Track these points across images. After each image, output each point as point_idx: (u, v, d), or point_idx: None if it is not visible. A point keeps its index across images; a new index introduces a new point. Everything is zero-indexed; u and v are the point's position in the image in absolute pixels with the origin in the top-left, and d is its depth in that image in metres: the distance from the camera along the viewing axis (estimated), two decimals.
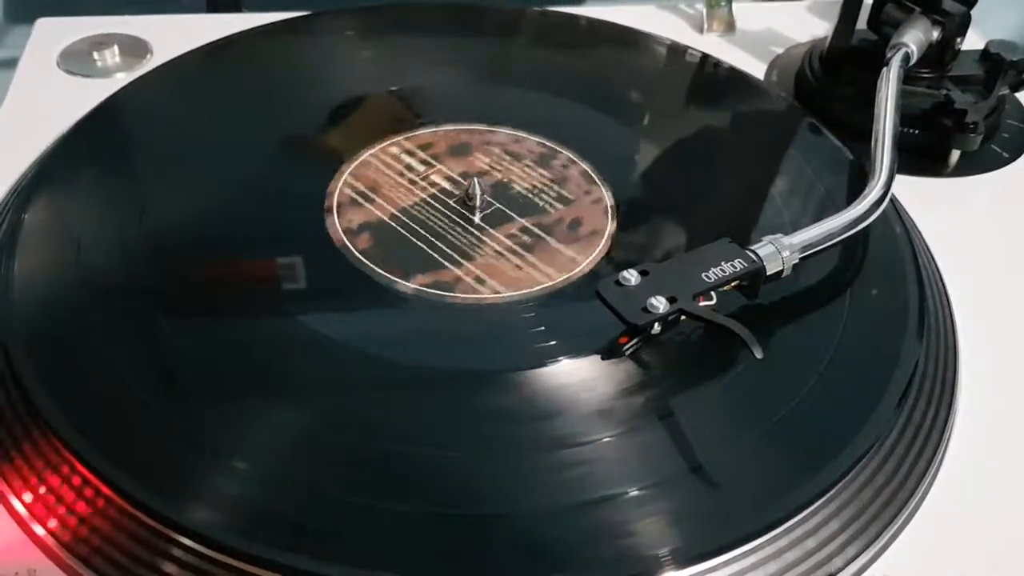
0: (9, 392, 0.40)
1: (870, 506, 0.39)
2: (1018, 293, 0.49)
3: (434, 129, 0.54)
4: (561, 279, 0.46)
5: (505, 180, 0.51)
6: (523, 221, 0.49)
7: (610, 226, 0.49)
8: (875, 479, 0.39)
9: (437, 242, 0.48)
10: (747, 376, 0.41)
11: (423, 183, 0.51)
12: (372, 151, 0.52)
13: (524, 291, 0.45)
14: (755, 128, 0.57)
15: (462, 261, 0.47)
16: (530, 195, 0.51)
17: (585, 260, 0.47)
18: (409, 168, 0.52)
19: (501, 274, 0.46)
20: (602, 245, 0.48)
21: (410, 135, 0.54)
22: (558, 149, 0.53)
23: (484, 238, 0.48)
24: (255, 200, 0.49)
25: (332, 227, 0.48)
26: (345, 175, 0.51)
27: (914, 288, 0.46)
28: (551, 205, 0.50)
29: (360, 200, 0.49)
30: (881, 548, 0.38)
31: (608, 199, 0.50)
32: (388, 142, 0.53)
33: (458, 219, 0.49)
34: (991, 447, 0.42)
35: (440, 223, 0.49)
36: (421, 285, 0.45)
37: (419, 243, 0.47)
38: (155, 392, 0.40)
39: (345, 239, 0.47)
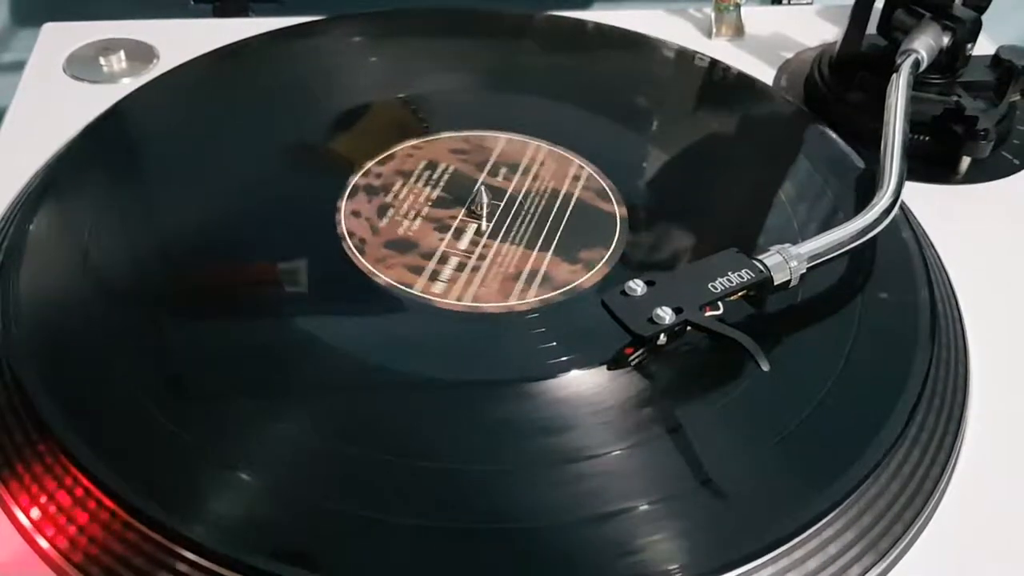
0: (14, 403, 0.39)
1: (883, 517, 0.38)
2: None
3: (442, 136, 0.54)
4: (568, 288, 0.46)
5: (512, 187, 0.51)
6: (530, 228, 0.49)
7: (618, 234, 0.49)
8: (888, 490, 0.39)
9: (444, 250, 0.47)
10: (757, 387, 0.41)
11: (430, 190, 0.51)
12: (380, 158, 0.52)
13: (530, 300, 0.45)
14: (764, 134, 0.57)
15: (469, 269, 0.46)
16: (537, 202, 0.50)
17: (592, 269, 0.47)
18: (416, 175, 0.51)
19: (508, 282, 0.46)
20: (610, 253, 0.48)
21: (417, 142, 0.54)
22: (566, 155, 0.53)
23: (491, 246, 0.48)
24: (263, 207, 0.49)
25: (341, 234, 0.48)
26: (353, 181, 0.51)
27: (925, 297, 0.45)
28: (559, 212, 0.50)
29: (368, 207, 0.49)
30: (894, 560, 0.38)
31: (617, 205, 0.50)
32: (396, 149, 0.53)
33: (465, 227, 0.49)
34: (1003, 453, 0.42)
35: (447, 230, 0.48)
36: (428, 293, 0.45)
37: (427, 250, 0.47)
38: (161, 403, 0.40)
39: (353, 246, 0.47)
